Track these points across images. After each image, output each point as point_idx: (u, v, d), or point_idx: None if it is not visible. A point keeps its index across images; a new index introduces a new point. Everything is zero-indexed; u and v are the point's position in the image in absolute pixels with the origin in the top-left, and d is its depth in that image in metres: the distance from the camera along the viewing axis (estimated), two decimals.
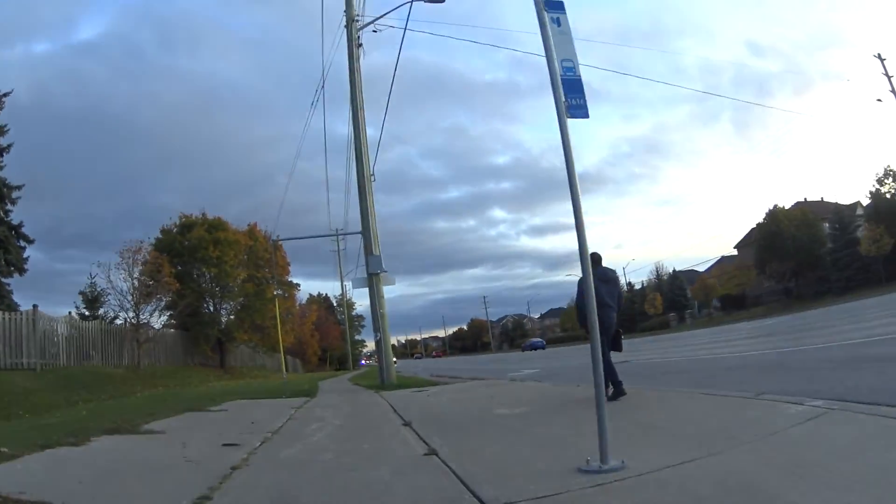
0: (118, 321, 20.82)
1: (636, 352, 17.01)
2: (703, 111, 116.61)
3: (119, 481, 3.43)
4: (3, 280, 20.05)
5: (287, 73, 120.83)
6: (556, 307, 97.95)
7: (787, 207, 50.62)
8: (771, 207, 50.63)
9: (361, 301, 60.75)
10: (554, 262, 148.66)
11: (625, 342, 6.96)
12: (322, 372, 44.58)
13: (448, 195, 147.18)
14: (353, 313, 62.79)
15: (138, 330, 19.77)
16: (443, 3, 13.59)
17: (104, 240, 71.66)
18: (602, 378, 3.42)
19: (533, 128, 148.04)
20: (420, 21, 27.60)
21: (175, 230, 27.19)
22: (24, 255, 21.21)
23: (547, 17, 3.79)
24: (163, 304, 22.01)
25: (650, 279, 70.26)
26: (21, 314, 14.23)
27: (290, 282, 35.98)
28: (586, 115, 3.75)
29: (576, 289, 7.46)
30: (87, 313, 22.57)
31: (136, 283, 19.92)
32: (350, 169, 16.96)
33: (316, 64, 43.20)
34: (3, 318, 13.27)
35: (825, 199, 52.98)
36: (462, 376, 16.11)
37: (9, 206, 20.80)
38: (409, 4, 13.28)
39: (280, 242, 26.88)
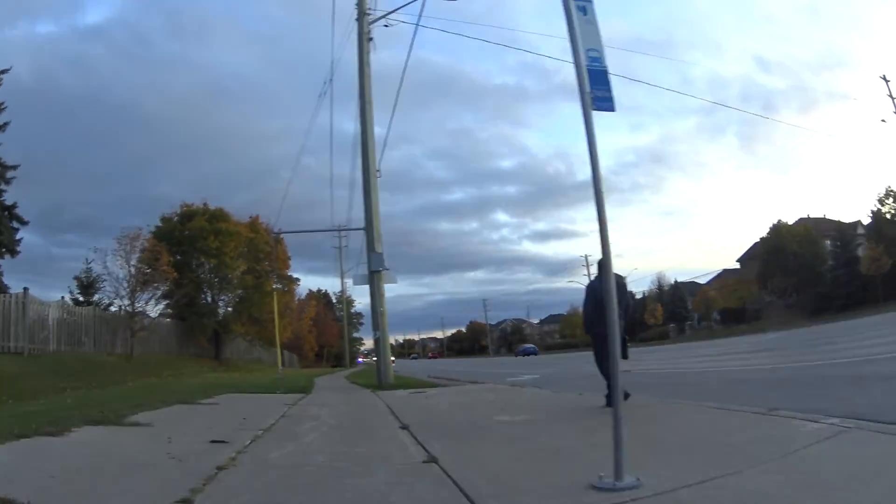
0: (113, 308, 20.59)
1: (638, 361, 16.78)
2: (709, 124, 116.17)
3: (95, 478, 3.19)
4: None
5: (295, 66, 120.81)
6: (556, 313, 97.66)
7: (790, 223, 50.68)
8: (775, 223, 50.87)
9: (361, 299, 60.63)
10: (555, 268, 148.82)
11: None
12: (318, 368, 44.34)
13: (452, 197, 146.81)
14: (352, 311, 62.67)
15: (133, 318, 19.54)
16: (455, 1, 13.42)
17: (103, 226, 71.37)
18: (619, 392, 3.19)
19: (540, 133, 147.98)
20: (431, 18, 27.48)
21: (175, 219, 26.99)
22: (17, 237, 20.93)
23: (573, 4, 3.56)
24: (160, 292, 21.80)
25: (651, 289, 70.32)
26: (10, 297, 13.96)
27: (290, 276, 35.90)
28: (612, 108, 3.50)
29: (583, 294, 7.24)
30: (81, 299, 22.34)
31: (133, 270, 19.70)
32: (355, 164, 16.78)
33: (324, 59, 43.17)
34: None
35: (827, 217, 53.20)
36: (460, 379, 15.90)
37: (3, 186, 20.53)
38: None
39: (281, 236, 26.73)
